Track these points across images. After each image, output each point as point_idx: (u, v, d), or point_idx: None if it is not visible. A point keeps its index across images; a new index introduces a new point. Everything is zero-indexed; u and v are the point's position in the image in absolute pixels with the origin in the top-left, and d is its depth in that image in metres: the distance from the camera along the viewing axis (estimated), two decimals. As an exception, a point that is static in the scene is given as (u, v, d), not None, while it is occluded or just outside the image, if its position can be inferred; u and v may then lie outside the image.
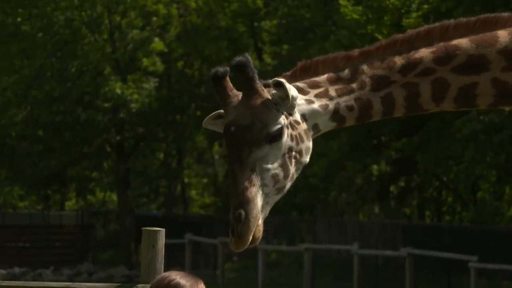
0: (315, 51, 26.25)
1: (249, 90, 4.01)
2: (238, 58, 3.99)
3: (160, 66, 32.14)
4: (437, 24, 4.15)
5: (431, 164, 26.01)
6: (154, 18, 33.30)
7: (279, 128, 4.00)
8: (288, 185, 4.03)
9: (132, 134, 33.68)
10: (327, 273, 26.34)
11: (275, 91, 4.04)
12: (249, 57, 4.00)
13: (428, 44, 4.12)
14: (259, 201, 3.90)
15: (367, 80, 4.10)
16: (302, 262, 25.60)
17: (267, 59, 33.08)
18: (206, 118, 4.20)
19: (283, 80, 4.01)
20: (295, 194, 30.99)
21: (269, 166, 3.99)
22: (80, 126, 31.50)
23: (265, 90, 4.03)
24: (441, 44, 4.11)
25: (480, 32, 4.11)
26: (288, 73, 4.17)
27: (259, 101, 4.02)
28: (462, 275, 22.54)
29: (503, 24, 4.13)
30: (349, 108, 4.10)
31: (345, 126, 4.20)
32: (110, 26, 32.06)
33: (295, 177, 4.05)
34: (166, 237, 4.65)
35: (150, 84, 31.92)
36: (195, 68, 34.32)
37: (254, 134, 3.97)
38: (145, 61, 31.90)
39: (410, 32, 4.16)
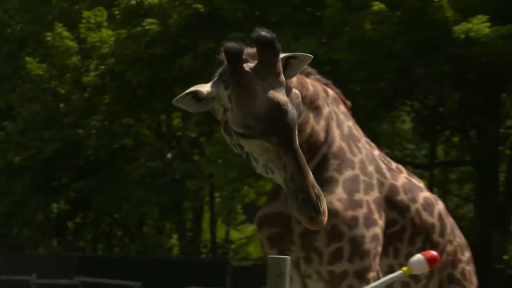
0: (2, 101, 28.38)
1: (277, 67, 3.64)
2: (263, 33, 3.60)
3: None
4: None
5: (105, 203, 28.73)
6: None
7: None
8: None
9: None
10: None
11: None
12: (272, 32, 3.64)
13: None
14: None
15: None
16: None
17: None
18: (178, 97, 3.75)
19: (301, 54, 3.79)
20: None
21: None
22: None
23: None
24: None
25: None
26: None
27: (283, 78, 3.70)
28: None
29: None
30: None
31: None
32: None
33: None
34: None
35: None
36: None
37: (299, 112, 3.69)
38: None
39: None
